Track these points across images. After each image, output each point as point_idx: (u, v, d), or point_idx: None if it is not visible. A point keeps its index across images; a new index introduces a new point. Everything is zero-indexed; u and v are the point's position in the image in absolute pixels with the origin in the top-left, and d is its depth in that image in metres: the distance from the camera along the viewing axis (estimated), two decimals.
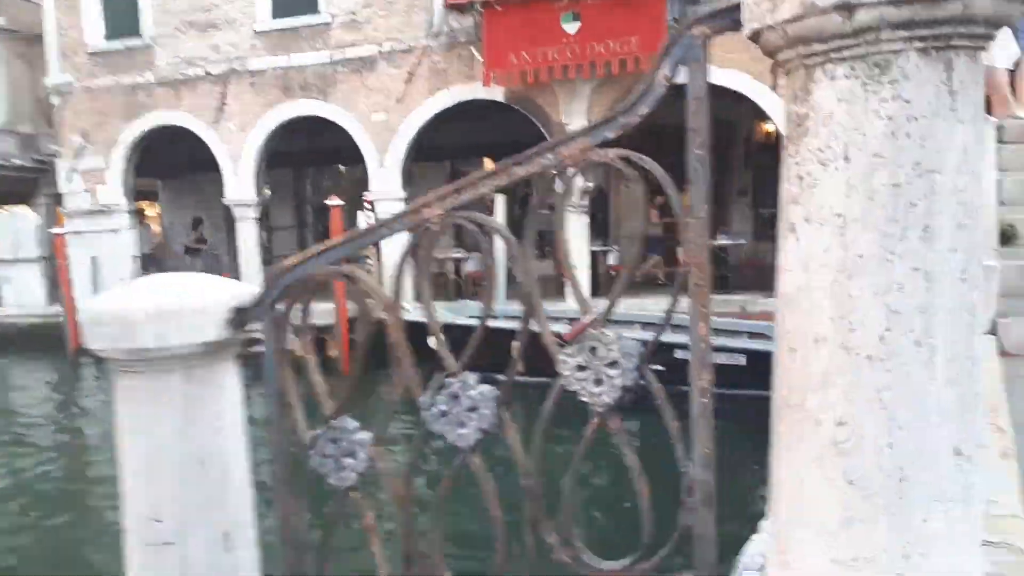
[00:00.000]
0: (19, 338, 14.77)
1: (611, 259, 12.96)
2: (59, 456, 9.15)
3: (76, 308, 13.79)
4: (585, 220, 12.27)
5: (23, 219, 15.21)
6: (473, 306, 11.95)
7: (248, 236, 13.93)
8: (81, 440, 9.82)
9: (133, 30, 13.92)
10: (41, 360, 13.78)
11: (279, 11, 13.24)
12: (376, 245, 12.73)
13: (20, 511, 7.32)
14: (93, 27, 14.09)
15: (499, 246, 1.59)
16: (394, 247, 1.51)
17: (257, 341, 1.63)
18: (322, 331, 11.79)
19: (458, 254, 13.45)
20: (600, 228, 13.92)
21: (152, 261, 15.34)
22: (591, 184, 12.16)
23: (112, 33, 14.12)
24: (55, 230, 14.11)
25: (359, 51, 12.77)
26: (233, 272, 14.39)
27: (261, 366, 1.67)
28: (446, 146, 14.72)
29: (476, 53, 11.76)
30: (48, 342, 14.00)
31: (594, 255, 12.64)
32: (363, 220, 12.95)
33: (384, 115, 12.76)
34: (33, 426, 10.41)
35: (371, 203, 12.94)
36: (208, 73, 13.55)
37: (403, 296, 1.57)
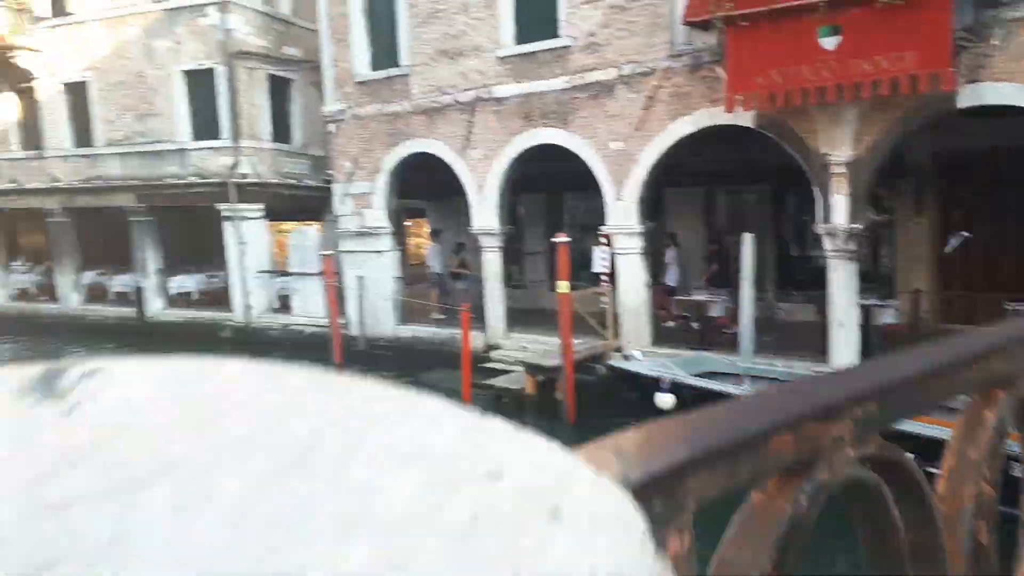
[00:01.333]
0: (300, 343, 16.55)
1: (887, 317, 10.77)
2: None
3: (339, 325, 15.06)
4: (853, 267, 10.30)
5: (309, 236, 16.85)
6: (714, 359, 10.68)
7: (492, 264, 13.94)
8: None
9: (393, 60, 14.48)
10: (313, 366, 15.24)
11: (522, 36, 12.85)
12: (611, 276, 12.13)
13: None
14: (360, 58, 14.92)
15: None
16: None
17: None
18: (550, 372, 11.40)
19: (703, 296, 12.16)
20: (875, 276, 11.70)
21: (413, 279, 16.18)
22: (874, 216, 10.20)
23: (377, 63, 14.84)
24: (323, 252, 15.39)
25: (598, 75, 11.93)
26: (478, 298, 14.62)
27: None
28: (698, 172, 13.40)
29: (721, 73, 10.28)
30: (323, 350, 15.45)
31: (866, 310, 10.58)
32: (598, 256, 12.23)
33: (622, 143, 11.82)
34: None
35: (607, 238, 12.14)
36: (457, 101, 13.65)
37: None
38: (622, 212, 12.00)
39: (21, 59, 18.60)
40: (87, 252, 20.43)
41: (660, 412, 9.72)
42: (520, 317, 14.67)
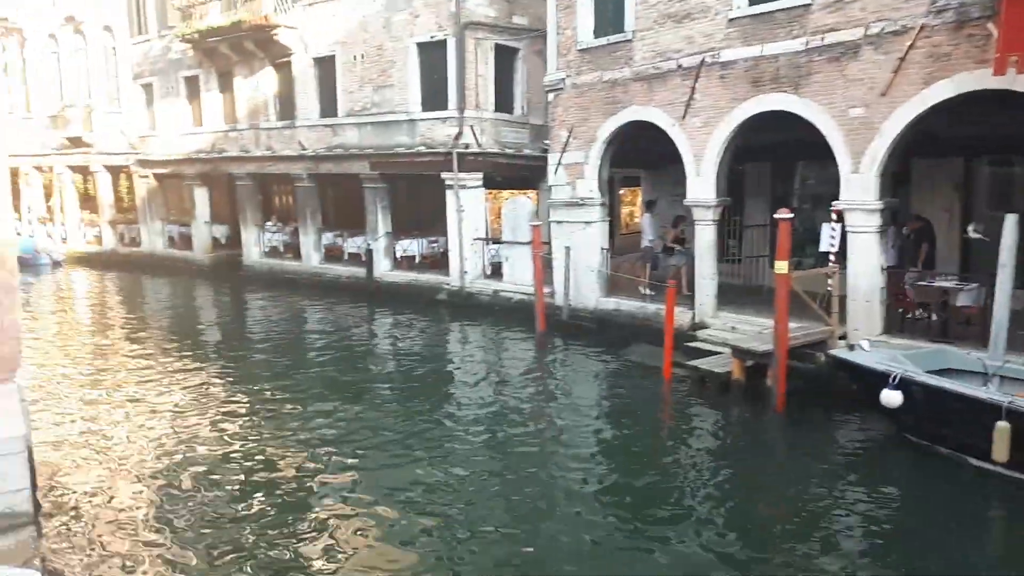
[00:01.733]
0: (507, 310, 16.88)
1: None
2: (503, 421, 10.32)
3: (544, 294, 15.15)
4: None
5: (522, 205, 17.11)
6: (957, 355, 9.37)
7: (705, 238, 13.27)
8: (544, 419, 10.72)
9: (618, 26, 14.15)
10: (517, 333, 15.50)
11: None
12: (841, 255, 10.99)
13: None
14: (584, 24, 14.74)
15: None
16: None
17: None
18: (760, 357, 10.65)
19: (949, 282, 10.68)
20: None
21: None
22: None
23: (599, 30, 14.59)
24: (532, 222, 15.51)
25: (840, 36, 10.77)
26: (691, 273, 14.00)
27: None
28: (955, 138, 11.79)
29: (993, 30, 8.82)
30: (528, 318, 15.65)
31: None
32: (827, 234, 11.15)
33: (862, 110, 10.61)
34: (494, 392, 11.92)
35: (839, 214, 11.01)
36: (680, 66, 13.05)
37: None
38: (859, 186, 10.81)
39: (281, 36, 20.58)
40: (327, 215, 22.35)
41: (885, 411, 8.68)
42: (733, 294, 13.87)
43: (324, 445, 9.22)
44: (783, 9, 11.53)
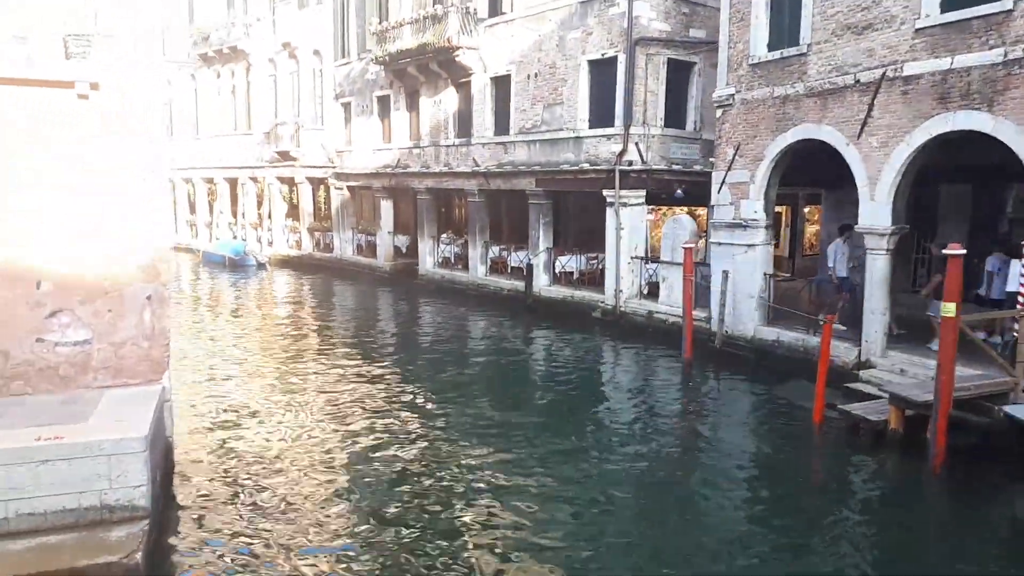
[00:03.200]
0: (661, 332, 16.35)
1: None
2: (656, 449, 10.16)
3: (692, 320, 14.50)
4: None
5: (683, 224, 16.54)
6: None
7: (877, 268, 12.09)
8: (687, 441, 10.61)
9: (793, 38, 13.32)
10: (669, 358, 14.96)
11: (951, 2, 10.74)
12: None
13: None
14: (758, 37, 14.03)
15: None
16: None
17: None
18: (920, 406, 9.48)
19: None
20: None
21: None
22: None
23: (774, 43, 13.81)
24: (686, 243, 14.92)
25: None
26: (855, 307, 12.83)
27: None
28: None
29: None
30: (677, 342, 15.09)
31: None
32: (1016, 272, 9.76)
33: None
34: (637, 416, 11.81)
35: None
36: (858, 81, 12.03)
37: None
38: None
39: (462, 57, 21.47)
40: (496, 229, 22.95)
41: None
42: (917, 330, 12.50)
43: (471, 450, 9.51)
44: (980, 16, 10.27)
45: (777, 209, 22.67)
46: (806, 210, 22.98)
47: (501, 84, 21.00)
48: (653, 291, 17.75)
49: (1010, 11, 9.88)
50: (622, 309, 17.93)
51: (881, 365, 12.08)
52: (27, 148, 7.09)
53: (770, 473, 9.53)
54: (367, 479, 8.66)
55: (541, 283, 20.26)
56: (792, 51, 13.25)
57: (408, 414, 11.23)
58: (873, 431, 9.99)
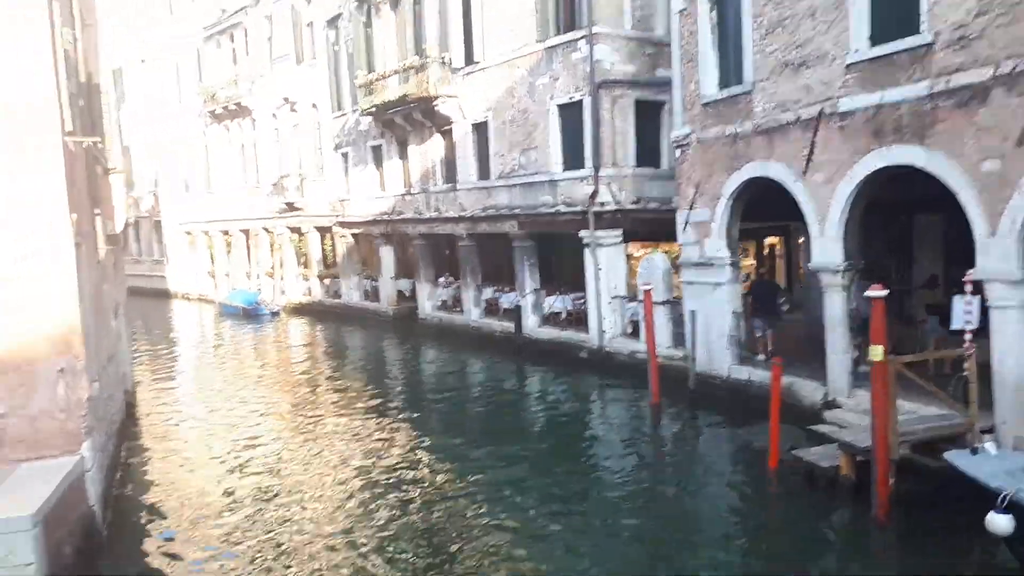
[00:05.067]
0: (642, 373, 16.11)
1: None
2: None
3: (657, 362, 14.32)
4: None
5: (656, 263, 16.39)
6: None
7: (834, 306, 11.84)
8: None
9: (738, 77, 13.25)
10: (638, 400, 14.81)
11: (876, 36, 10.59)
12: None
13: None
14: (707, 77, 13.97)
15: None
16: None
17: None
18: (867, 452, 9.20)
19: None
20: None
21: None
22: None
23: (723, 82, 13.75)
24: (645, 285, 14.82)
25: (966, 77, 9.19)
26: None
27: None
28: None
29: None
30: (665, 381, 14.91)
31: None
32: (959, 310, 9.46)
33: (997, 163, 8.92)
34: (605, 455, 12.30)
35: (973, 284, 9.29)
36: (799, 118, 11.89)
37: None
38: (998, 253, 9.06)
39: (442, 106, 21.79)
40: (487, 271, 23.06)
41: (992, 537, 7.06)
42: None
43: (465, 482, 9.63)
44: (903, 50, 10.10)
45: (771, 240, 22.52)
46: (800, 240, 22.54)
47: (480, 131, 21.23)
48: (637, 330, 17.60)
49: (931, 44, 9.69)
50: (607, 349, 17.81)
51: (847, 405, 11.78)
52: None
53: (711, 522, 9.38)
54: (368, 512, 9.69)
55: (530, 324, 20.25)
56: (738, 89, 13.18)
57: (409, 452, 12.26)
58: (826, 477, 9.74)
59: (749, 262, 21.25)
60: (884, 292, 8.55)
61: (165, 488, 11.06)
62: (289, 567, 8.22)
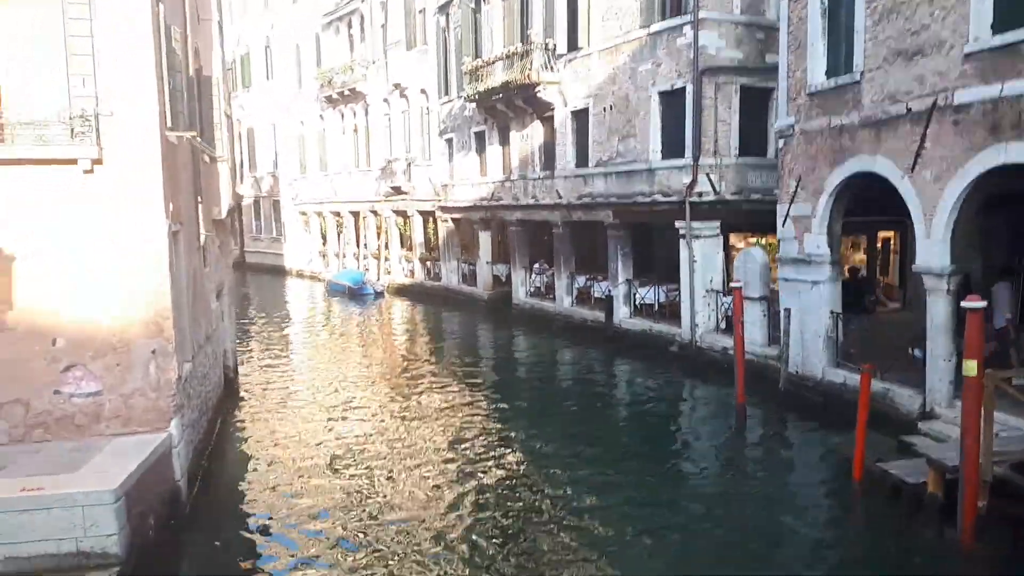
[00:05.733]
0: (732, 371, 15.69)
1: None
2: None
3: (744, 364, 13.80)
4: None
5: (754, 257, 15.82)
6: None
7: (938, 311, 11.11)
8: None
9: (848, 66, 12.57)
10: (728, 399, 14.37)
11: (1000, 24, 9.79)
12: None
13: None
14: (816, 65, 13.32)
15: None
16: None
17: None
18: (956, 471, 8.62)
19: None
20: None
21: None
22: None
23: (831, 71, 13.07)
24: (734, 284, 14.30)
25: None
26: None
27: None
28: None
29: None
30: (758, 382, 14.48)
31: None
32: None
33: None
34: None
35: None
36: (909, 110, 11.17)
37: None
38: None
39: (544, 92, 21.77)
40: (581, 259, 22.97)
41: None
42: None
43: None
44: None
45: (885, 234, 21.30)
46: None
47: (580, 117, 21.09)
48: (731, 325, 17.09)
49: None
50: (698, 344, 17.43)
51: (945, 416, 11.06)
52: (40, 218, 8.14)
53: (787, 536, 9.04)
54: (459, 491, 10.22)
55: (621, 315, 20.05)
56: (846, 79, 12.49)
57: (499, 439, 12.68)
58: (912, 494, 9.21)
59: (860, 256, 20.23)
60: (982, 304, 7.94)
61: (255, 465, 11.53)
62: (370, 551, 8.44)
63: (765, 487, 10.58)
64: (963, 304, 8.09)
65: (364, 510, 9.62)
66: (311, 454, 11.96)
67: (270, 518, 9.37)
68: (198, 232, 12.38)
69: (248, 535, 8.94)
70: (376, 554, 8.35)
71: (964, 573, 7.97)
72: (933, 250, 10.92)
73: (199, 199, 12.54)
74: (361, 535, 8.88)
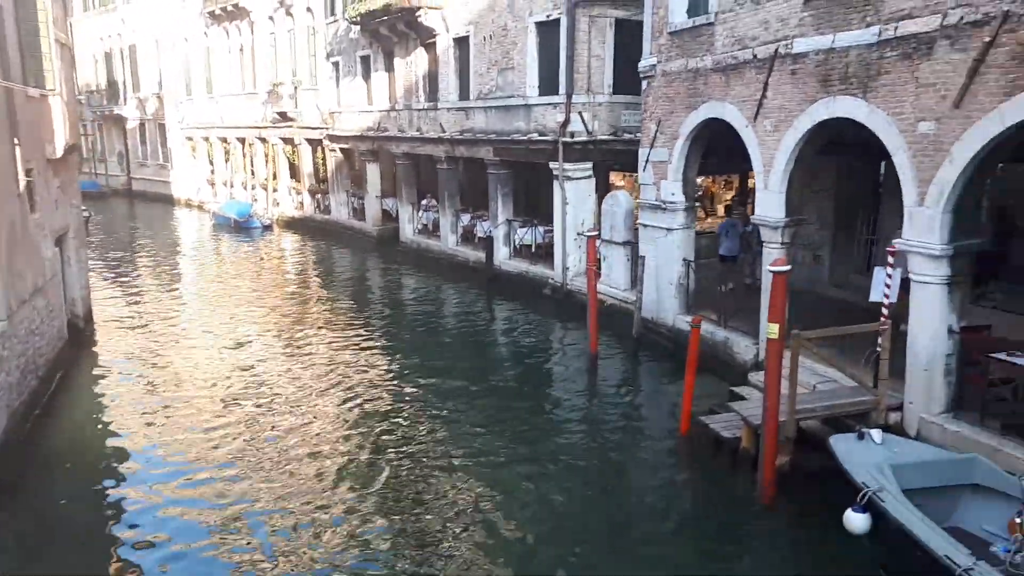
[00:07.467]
0: (601, 314, 15.62)
1: None
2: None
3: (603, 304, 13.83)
4: None
5: (620, 202, 15.67)
6: (988, 469, 7.01)
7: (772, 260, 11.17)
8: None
9: (705, 5, 12.20)
10: (587, 339, 14.42)
11: None
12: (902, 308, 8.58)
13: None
14: (678, 3, 12.88)
15: None
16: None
17: None
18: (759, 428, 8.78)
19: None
20: None
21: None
22: None
23: (691, 9, 12.68)
24: (588, 232, 14.18)
25: (914, 25, 8.23)
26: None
27: None
28: None
29: None
30: (616, 325, 14.56)
31: None
32: (879, 280, 8.84)
33: (933, 125, 8.08)
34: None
35: (896, 255, 8.62)
36: (755, 56, 10.94)
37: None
38: (924, 223, 8.32)
39: (425, 17, 20.70)
40: (466, 197, 22.44)
41: (850, 535, 6.67)
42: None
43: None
44: None
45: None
46: None
47: (462, 46, 20.23)
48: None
49: None
50: (568, 287, 17.36)
51: None
52: None
53: (603, 487, 9.13)
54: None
55: (501, 256, 19.78)
56: (702, 19, 12.17)
57: (380, 374, 13.10)
58: (729, 448, 9.39)
59: (730, 195, 20.46)
60: (787, 268, 7.91)
61: (86, 425, 10.93)
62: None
63: (603, 437, 10.62)
64: (768, 268, 8.07)
65: (210, 453, 9.60)
66: (159, 407, 11.59)
67: (94, 485, 9.04)
68: (15, 176, 11.29)
69: (67, 498, 8.71)
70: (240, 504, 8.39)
71: (757, 528, 8.17)
72: (770, 201, 10.90)
73: (16, 140, 11.39)
74: (206, 488, 8.87)
